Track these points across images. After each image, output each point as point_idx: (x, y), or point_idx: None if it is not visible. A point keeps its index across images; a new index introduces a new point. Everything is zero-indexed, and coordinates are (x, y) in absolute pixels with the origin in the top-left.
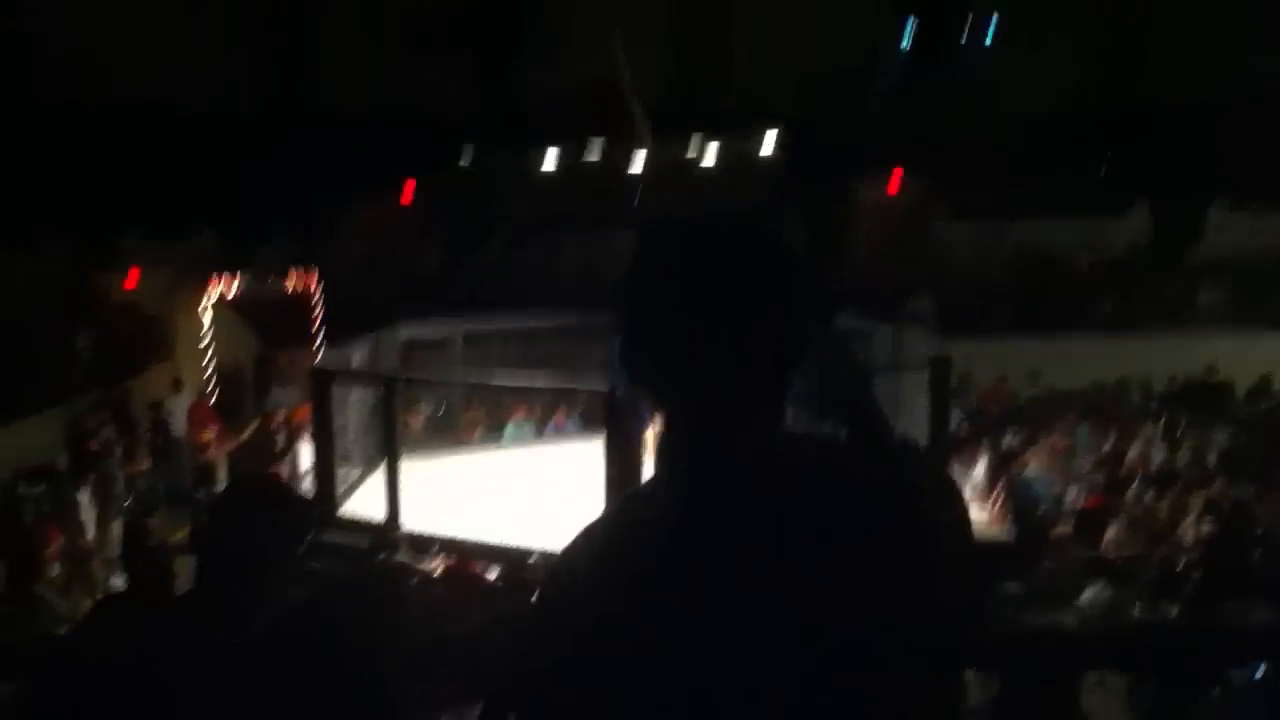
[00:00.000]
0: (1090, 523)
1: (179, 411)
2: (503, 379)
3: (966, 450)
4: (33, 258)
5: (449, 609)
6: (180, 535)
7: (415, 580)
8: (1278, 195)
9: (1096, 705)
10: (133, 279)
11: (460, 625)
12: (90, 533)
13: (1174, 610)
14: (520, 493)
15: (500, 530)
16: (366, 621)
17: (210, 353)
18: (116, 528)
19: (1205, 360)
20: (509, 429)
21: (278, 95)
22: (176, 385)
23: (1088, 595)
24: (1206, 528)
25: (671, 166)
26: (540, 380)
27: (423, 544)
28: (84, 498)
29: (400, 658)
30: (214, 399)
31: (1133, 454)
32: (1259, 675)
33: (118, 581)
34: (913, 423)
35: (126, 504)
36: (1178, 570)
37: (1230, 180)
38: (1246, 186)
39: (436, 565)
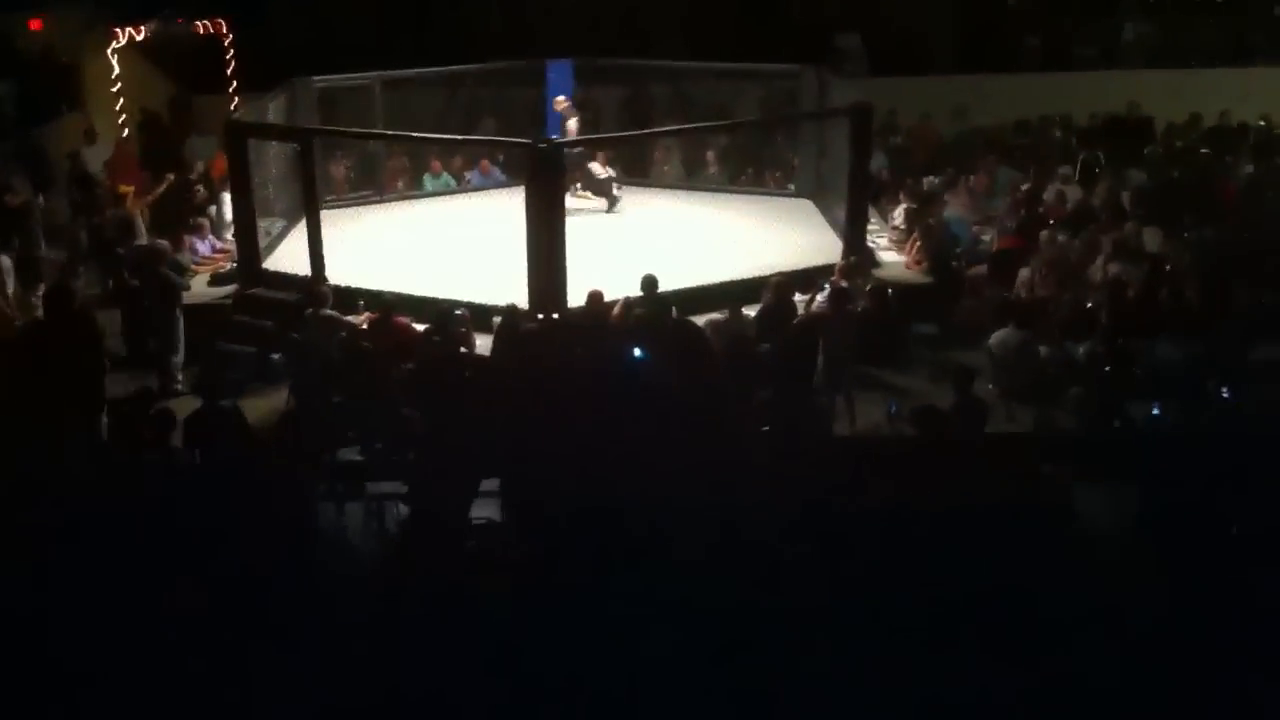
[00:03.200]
0: (1005, 264)
1: (96, 162)
2: (424, 131)
3: (889, 192)
4: None
5: (378, 360)
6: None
7: (344, 333)
8: None
9: None
10: (37, 22)
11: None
12: (11, 289)
13: (1080, 350)
14: (443, 243)
15: (425, 281)
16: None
17: (122, 100)
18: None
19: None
20: (428, 180)
21: None
22: (89, 135)
23: (998, 336)
24: (1115, 268)
25: None
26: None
27: (349, 297)
28: (4, 259)
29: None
30: (133, 148)
31: (1049, 195)
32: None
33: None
34: (835, 167)
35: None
36: (1086, 310)
37: None
38: None
39: (363, 318)
